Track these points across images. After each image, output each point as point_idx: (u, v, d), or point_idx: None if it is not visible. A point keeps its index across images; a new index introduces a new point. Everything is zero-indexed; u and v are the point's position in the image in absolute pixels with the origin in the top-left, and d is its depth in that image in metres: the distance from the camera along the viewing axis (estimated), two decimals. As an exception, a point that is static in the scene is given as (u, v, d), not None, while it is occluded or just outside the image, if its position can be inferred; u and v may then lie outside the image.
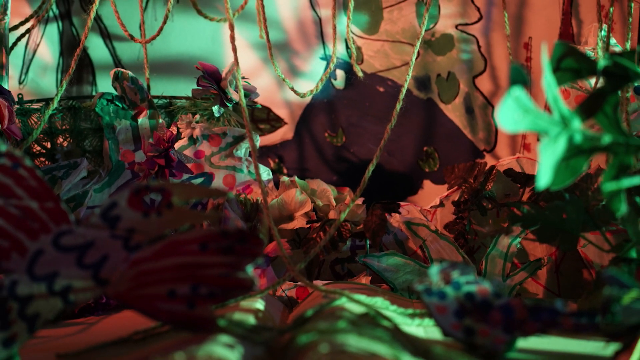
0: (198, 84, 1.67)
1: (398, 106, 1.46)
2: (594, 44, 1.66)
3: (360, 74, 1.87)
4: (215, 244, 0.94)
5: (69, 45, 1.90)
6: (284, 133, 1.90)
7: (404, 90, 1.46)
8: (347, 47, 1.86)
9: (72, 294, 0.93)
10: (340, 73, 1.92)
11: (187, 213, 0.96)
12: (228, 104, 1.65)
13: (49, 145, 1.72)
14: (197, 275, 0.94)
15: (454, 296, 0.98)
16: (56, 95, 1.56)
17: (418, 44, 1.53)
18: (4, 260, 0.93)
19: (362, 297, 1.15)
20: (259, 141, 1.74)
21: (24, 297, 0.92)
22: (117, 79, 1.72)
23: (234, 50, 1.41)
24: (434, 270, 0.99)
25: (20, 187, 0.94)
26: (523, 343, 1.00)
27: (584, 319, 0.94)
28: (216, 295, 0.94)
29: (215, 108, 1.67)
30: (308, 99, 1.89)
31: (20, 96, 1.80)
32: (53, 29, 1.89)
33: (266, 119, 1.80)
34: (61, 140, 1.72)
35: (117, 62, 1.89)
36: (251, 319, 1.07)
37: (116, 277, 0.94)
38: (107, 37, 1.90)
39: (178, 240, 0.95)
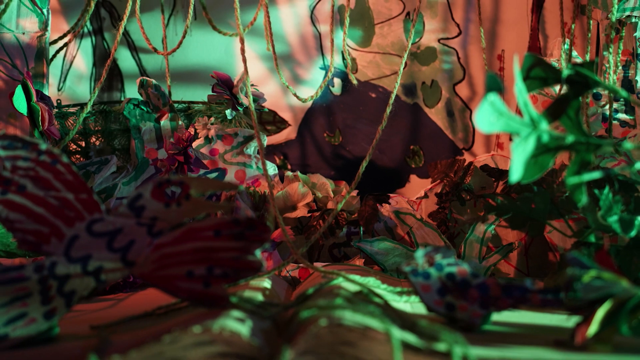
0: (213, 91, 1.67)
1: (388, 110, 1.45)
2: (558, 56, 1.65)
3: (354, 82, 1.86)
4: (228, 231, 0.94)
5: (101, 57, 1.89)
6: (288, 133, 1.90)
7: (393, 96, 1.45)
8: (343, 58, 1.86)
9: (103, 274, 0.94)
10: (337, 81, 1.91)
11: (203, 203, 0.97)
12: (239, 108, 1.65)
13: (83, 144, 1.72)
14: (212, 258, 0.94)
15: (437, 276, 0.98)
16: (89, 100, 1.56)
17: (405, 56, 1.52)
18: (44, 244, 0.94)
19: (357, 277, 1.14)
20: (266, 140, 1.74)
21: (62, 276, 0.93)
22: (143, 86, 1.72)
23: (244, 61, 1.40)
24: (420, 254, 0.99)
25: (58, 181, 0.95)
26: (497, 317, 0.99)
27: (550, 295, 0.95)
28: (229, 276, 0.94)
29: (228, 111, 1.66)
30: (309, 103, 1.89)
31: (58, 101, 1.80)
32: (87, 43, 1.88)
33: (272, 121, 1.80)
34: (94, 139, 1.72)
35: (143, 71, 1.89)
36: (259, 296, 1.07)
37: (141, 259, 0.94)
38: (134, 49, 1.90)
39: (195, 227, 0.95)
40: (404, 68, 1.85)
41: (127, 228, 0.95)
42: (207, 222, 0.95)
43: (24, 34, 1.56)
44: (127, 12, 1.61)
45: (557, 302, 0.95)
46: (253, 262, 0.94)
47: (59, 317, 0.92)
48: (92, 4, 1.64)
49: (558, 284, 1.19)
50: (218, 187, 0.99)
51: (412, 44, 1.86)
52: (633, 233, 1.07)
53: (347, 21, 1.77)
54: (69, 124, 1.71)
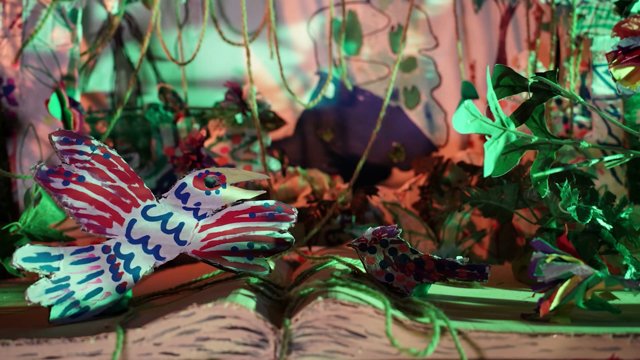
0: (225, 98, 1.68)
1: (381, 114, 1.46)
2: (525, 66, 1.66)
3: (349, 87, 1.87)
4: (260, 213, 1.00)
5: (120, 62, 1.88)
6: (286, 131, 1.90)
7: (385, 104, 1.45)
8: (336, 66, 1.86)
9: (162, 252, 0.97)
10: (330, 86, 1.91)
11: (238, 191, 1.01)
12: (247, 113, 1.65)
13: (111, 144, 1.73)
14: (251, 235, 1.00)
15: (381, 250, 1.02)
16: (118, 110, 1.56)
17: (396, 68, 1.52)
18: (107, 227, 0.96)
19: (347, 259, 1.14)
20: (270, 139, 1.74)
21: (127, 255, 0.96)
22: (162, 92, 1.72)
23: (249, 71, 1.41)
24: (369, 231, 1.02)
25: (112, 172, 0.97)
26: (470, 293, 1.00)
27: (476, 271, 1.00)
28: (267, 250, 1.00)
29: (238, 116, 1.67)
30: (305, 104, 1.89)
31: (90, 108, 1.80)
32: (107, 49, 1.87)
33: (272, 119, 1.80)
34: (120, 140, 1.73)
35: (162, 80, 1.88)
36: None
37: (191, 238, 0.98)
38: (152, 59, 1.89)
39: (233, 211, 1.00)
40: (389, 76, 1.85)
41: (176, 212, 0.99)
42: (242, 206, 1.01)
43: (57, 46, 1.56)
44: (151, 28, 1.61)
45: (482, 276, 1.01)
46: (285, 238, 1.01)
47: (129, 289, 0.96)
48: (116, 20, 1.64)
49: (524, 264, 1.20)
50: (249, 177, 1.03)
51: (396, 53, 1.86)
52: (588, 220, 1.08)
53: (343, 35, 1.78)
54: (99, 127, 1.71)
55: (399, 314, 0.80)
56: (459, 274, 1.00)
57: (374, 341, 0.78)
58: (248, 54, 1.44)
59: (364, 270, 1.04)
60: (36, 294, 0.91)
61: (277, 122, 1.78)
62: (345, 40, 1.88)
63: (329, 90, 1.90)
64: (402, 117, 1.91)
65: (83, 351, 0.77)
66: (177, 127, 1.72)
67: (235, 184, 1.01)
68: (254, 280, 0.98)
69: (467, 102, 0.92)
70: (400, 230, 1.02)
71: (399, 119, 1.91)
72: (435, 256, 1.00)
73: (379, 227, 1.01)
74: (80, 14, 1.59)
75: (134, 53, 1.85)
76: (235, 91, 1.67)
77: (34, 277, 1.44)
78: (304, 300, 0.85)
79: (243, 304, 0.80)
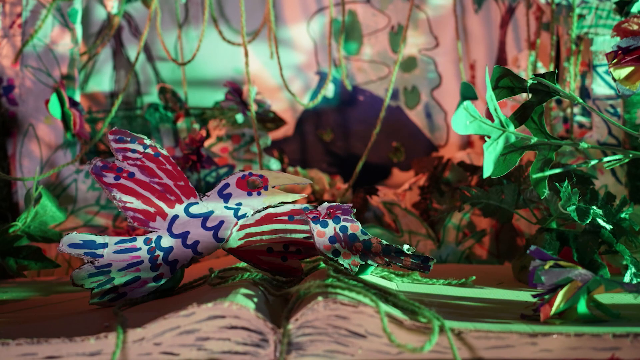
0: (226, 98, 1.68)
1: (382, 114, 1.46)
2: (525, 67, 1.66)
3: (349, 87, 1.87)
4: (299, 216, 1.04)
5: (120, 61, 1.88)
6: (286, 130, 1.90)
7: (385, 104, 1.45)
8: (336, 66, 1.86)
9: (200, 247, 1.02)
10: (330, 85, 1.91)
11: (279, 193, 1.04)
12: (247, 113, 1.66)
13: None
14: (287, 238, 1.04)
15: (333, 226, 1.03)
16: (112, 109, 1.57)
17: (396, 69, 1.53)
18: (151, 221, 1.02)
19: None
20: (270, 139, 1.74)
21: (167, 248, 1.02)
22: (162, 92, 1.72)
23: (247, 71, 1.41)
24: (324, 206, 1.04)
25: (160, 170, 1.02)
26: (469, 293, 1.00)
27: (420, 261, 1.02)
28: (302, 252, 1.04)
29: (238, 116, 1.67)
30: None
31: (90, 108, 1.81)
32: (107, 50, 1.88)
33: (272, 119, 1.80)
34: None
35: (161, 80, 1.89)
36: (264, 276, 1.08)
37: (230, 237, 1.03)
38: (151, 60, 1.89)
39: (273, 213, 1.04)
40: (389, 76, 1.85)
41: (217, 211, 1.03)
42: (282, 209, 1.04)
43: (57, 46, 1.56)
44: (147, 26, 1.61)
45: (425, 268, 1.03)
46: None
47: (165, 280, 1.01)
48: (116, 20, 1.65)
49: (525, 264, 1.20)
50: (291, 180, 1.06)
51: (396, 53, 1.86)
52: (588, 220, 1.08)
53: (343, 35, 1.78)
54: (99, 127, 1.72)
55: (398, 314, 0.81)
56: (403, 262, 1.02)
57: (374, 341, 0.78)
58: (246, 54, 1.44)
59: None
60: (80, 277, 0.99)
61: (277, 122, 1.79)
62: (345, 40, 1.89)
63: (329, 90, 1.91)
64: (402, 117, 1.91)
65: (83, 351, 0.78)
66: (177, 127, 1.73)
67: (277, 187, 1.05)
68: (256, 277, 0.99)
69: (466, 103, 0.93)
70: (355, 210, 1.03)
71: (399, 119, 1.91)
72: (383, 241, 1.03)
73: (334, 204, 1.04)
74: (80, 14, 1.59)
75: (134, 53, 1.85)
76: (235, 91, 1.68)
77: (34, 278, 1.45)
78: (303, 300, 0.85)
79: (243, 303, 0.80)
